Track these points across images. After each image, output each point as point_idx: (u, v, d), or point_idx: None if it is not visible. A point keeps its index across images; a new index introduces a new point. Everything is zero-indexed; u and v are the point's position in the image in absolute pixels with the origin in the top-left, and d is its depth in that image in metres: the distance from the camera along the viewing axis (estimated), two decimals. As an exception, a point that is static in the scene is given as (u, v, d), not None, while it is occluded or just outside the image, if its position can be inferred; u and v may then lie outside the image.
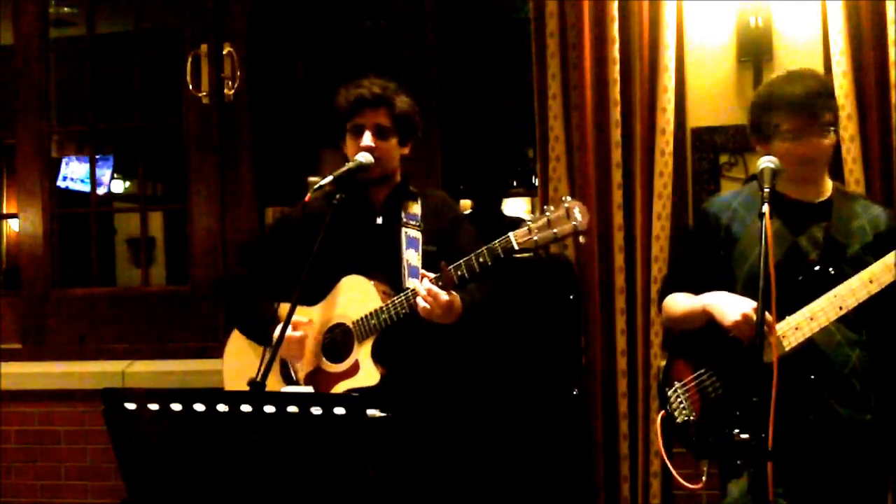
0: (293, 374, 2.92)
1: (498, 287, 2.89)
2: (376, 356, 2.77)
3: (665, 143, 3.58)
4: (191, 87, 4.19)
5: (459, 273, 2.67)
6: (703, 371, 2.63)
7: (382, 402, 1.94)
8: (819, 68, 3.40)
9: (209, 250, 4.27)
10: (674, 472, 2.68)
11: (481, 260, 2.64)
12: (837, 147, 3.05)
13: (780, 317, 2.46)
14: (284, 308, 2.69)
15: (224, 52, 4.18)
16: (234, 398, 1.95)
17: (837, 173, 3.34)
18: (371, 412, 1.90)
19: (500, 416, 3.46)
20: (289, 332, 2.73)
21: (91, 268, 4.49)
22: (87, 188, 5.03)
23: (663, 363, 2.76)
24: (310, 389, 2.80)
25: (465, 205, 5.15)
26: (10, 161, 4.85)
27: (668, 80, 3.57)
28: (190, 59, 4.19)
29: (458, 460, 3.04)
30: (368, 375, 2.76)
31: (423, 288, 2.65)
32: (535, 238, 2.58)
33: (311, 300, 2.88)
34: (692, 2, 3.64)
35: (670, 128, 3.58)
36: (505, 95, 4.75)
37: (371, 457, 1.92)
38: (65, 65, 4.73)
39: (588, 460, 3.61)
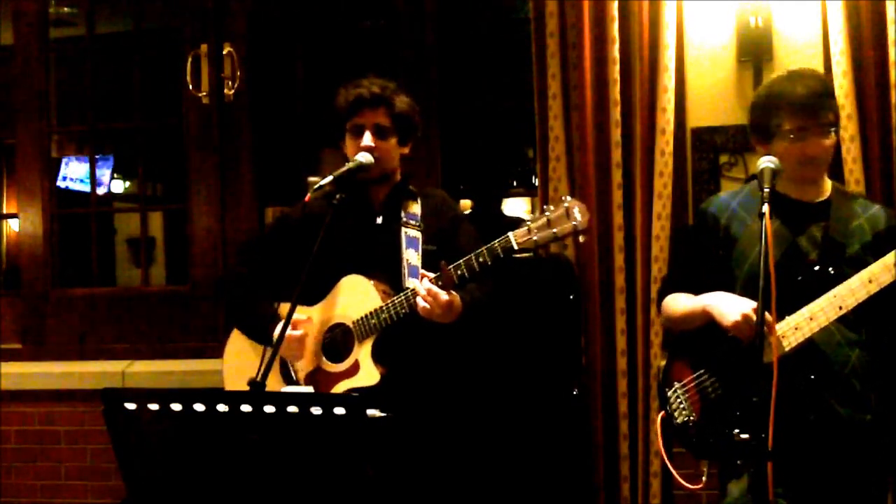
0: (293, 374, 2.92)
1: (498, 287, 2.89)
2: (376, 356, 2.77)
3: (665, 143, 3.58)
4: (191, 87, 4.19)
5: (459, 273, 2.67)
6: (702, 371, 2.63)
7: (382, 402, 1.94)
8: (819, 68, 3.40)
9: (209, 250, 4.27)
10: (674, 472, 2.68)
11: (481, 260, 2.64)
12: (837, 147, 3.05)
13: (780, 317, 2.45)
14: (284, 308, 2.69)
15: (224, 52, 4.19)
16: (234, 398, 1.95)
17: (837, 173, 3.34)
18: (371, 412, 1.90)
19: (500, 416, 3.46)
20: (289, 331, 2.73)
21: (91, 268, 4.49)
22: (87, 188, 5.03)
23: (663, 363, 2.76)
24: (310, 389, 2.80)
25: (465, 205, 5.15)
26: (10, 161, 4.85)
27: (668, 80, 3.57)
28: (190, 59, 4.19)
29: (458, 460, 3.04)
30: (368, 375, 2.76)
31: (422, 288, 2.66)
32: (535, 238, 2.58)
33: (311, 300, 2.88)
34: (692, 2, 3.64)
35: (670, 128, 3.58)
36: (505, 95, 4.75)
37: (371, 457, 1.91)
38: (65, 65, 4.73)
39: (588, 460, 3.61)
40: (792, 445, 2.28)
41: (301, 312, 2.81)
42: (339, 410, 1.89)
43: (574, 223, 2.56)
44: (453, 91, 4.36)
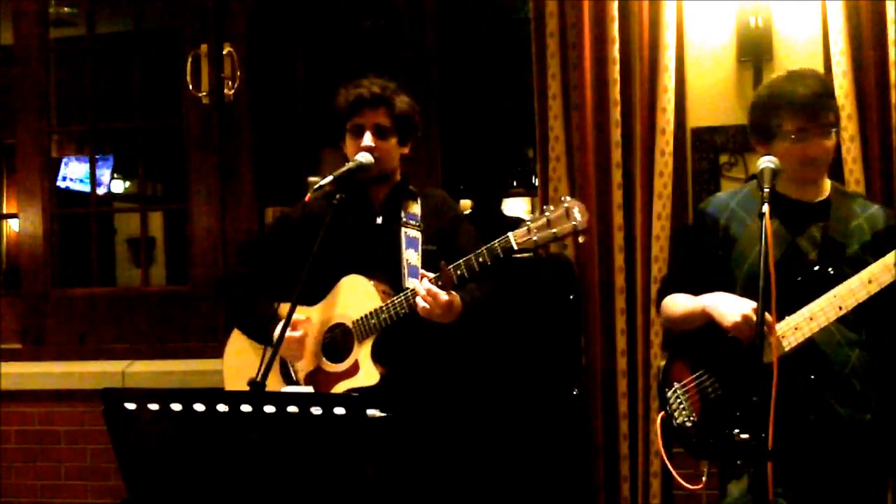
0: (293, 374, 2.92)
1: (498, 287, 2.89)
2: (376, 356, 2.77)
3: (665, 143, 3.58)
4: (191, 87, 4.19)
5: (459, 273, 2.67)
6: (702, 372, 2.63)
7: (382, 402, 1.94)
8: (819, 68, 3.40)
9: (209, 250, 4.27)
10: (674, 472, 2.68)
11: (481, 260, 2.64)
12: (837, 147, 3.05)
13: (780, 317, 2.45)
14: (284, 308, 2.69)
15: (224, 52, 4.19)
16: (234, 398, 1.95)
17: (837, 173, 3.34)
18: (371, 412, 1.90)
19: (500, 416, 3.46)
20: (288, 331, 2.73)
21: (91, 268, 4.49)
22: (87, 188, 5.03)
23: (663, 363, 2.76)
24: (310, 389, 2.80)
25: (465, 205, 5.15)
26: (10, 161, 4.84)
27: (668, 80, 3.57)
28: (190, 59, 4.19)
29: (458, 460, 3.04)
30: (368, 375, 2.76)
31: (422, 288, 2.66)
32: (535, 238, 2.58)
33: (311, 300, 2.88)
34: (692, 2, 3.64)
35: (670, 128, 3.58)
36: (505, 95, 4.75)
37: (371, 457, 1.91)
38: (65, 65, 4.73)
39: (588, 460, 3.61)
40: (792, 445, 2.28)
41: (301, 312, 2.81)
42: (339, 410, 1.89)
43: (574, 223, 2.56)
44: (453, 91, 4.36)
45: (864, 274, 2.46)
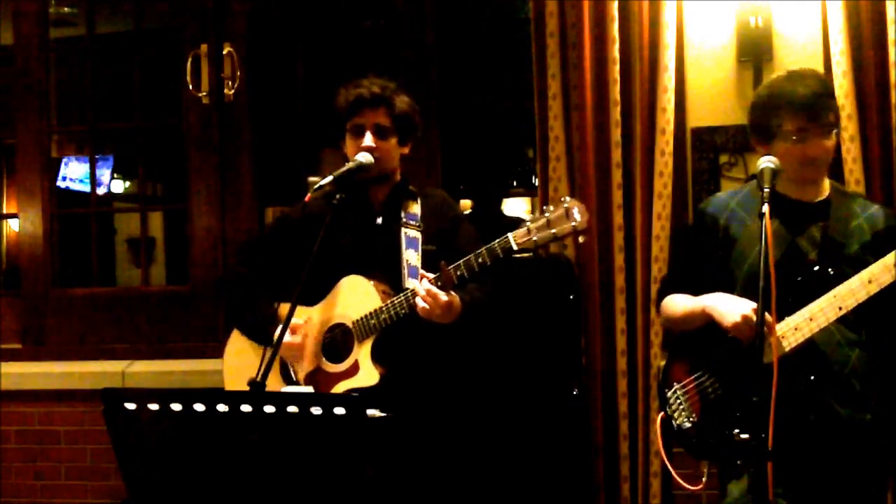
0: (293, 375, 2.92)
1: (498, 287, 2.89)
2: (376, 356, 2.77)
3: (665, 143, 3.58)
4: (191, 87, 4.19)
5: (459, 273, 2.67)
6: (702, 372, 2.63)
7: (382, 402, 1.94)
8: (819, 68, 3.40)
9: (209, 250, 4.27)
10: (674, 473, 2.68)
11: (480, 260, 2.64)
12: (837, 147, 3.05)
13: (780, 317, 2.45)
14: (284, 308, 2.69)
15: (224, 52, 4.19)
16: (234, 398, 1.95)
17: (837, 173, 3.34)
18: (371, 412, 1.90)
19: (500, 416, 3.46)
20: (288, 336, 2.74)
21: (91, 268, 4.49)
22: (87, 188, 5.03)
23: (663, 363, 2.76)
24: (310, 389, 2.80)
25: (465, 205, 5.15)
26: (10, 161, 4.84)
27: (668, 80, 3.57)
28: (190, 59, 4.19)
29: (458, 460, 3.04)
30: (368, 375, 2.76)
31: (422, 288, 2.66)
32: (535, 238, 2.58)
33: (311, 300, 2.88)
34: (692, 2, 3.64)
35: (670, 128, 3.58)
36: (505, 95, 4.75)
37: (371, 457, 1.91)
38: (65, 65, 4.73)
39: (588, 460, 3.61)
40: (792, 445, 2.29)
41: (301, 312, 2.81)
42: (339, 410, 1.89)
43: (573, 224, 2.55)
44: (453, 91, 4.36)
45: (864, 274, 2.46)
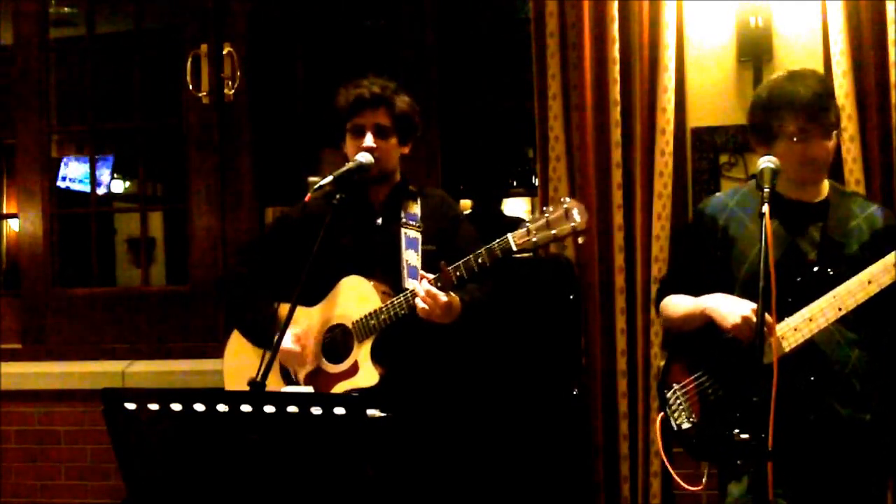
0: (293, 375, 2.92)
1: (498, 287, 2.89)
2: (376, 356, 2.77)
3: (665, 143, 3.58)
4: (191, 87, 4.19)
5: (458, 274, 2.67)
6: (701, 373, 2.63)
7: (382, 403, 1.94)
8: (819, 68, 3.40)
9: (209, 250, 4.27)
10: (673, 474, 2.68)
11: (480, 261, 2.64)
12: (837, 147, 3.04)
13: (779, 318, 2.45)
14: (284, 308, 2.69)
15: (224, 52, 4.19)
16: (234, 398, 1.95)
17: (837, 173, 3.34)
18: (371, 412, 1.90)
19: (500, 417, 3.46)
20: (289, 343, 2.75)
21: (91, 268, 4.49)
22: (87, 188, 5.03)
23: (663, 363, 2.76)
24: (310, 389, 2.80)
25: (465, 205, 5.15)
26: (10, 161, 4.84)
27: (668, 80, 3.57)
28: (190, 59, 4.19)
29: (458, 460, 3.04)
30: (368, 376, 2.76)
31: (421, 289, 2.66)
32: (534, 239, 2.58)
33: (311, 300, 2.88)
34: (692, 2, 3.63)
35: (670, 128, 3.58)
36: (505, 95, 4.75)
37: (371, 457, 1.91)
38: (65, 65, 4.73)
39: (588, 460, 3.61)
40: (792, 446, 2.29)
41: (301, 313, 2.82)
42: (339, 410, 1.89)
43: (573, 224, 2.55)
44: (453, 91, 4.36)
45: (864, 275, 2.45)
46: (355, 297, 2.82)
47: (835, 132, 2.59)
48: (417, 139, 3.04)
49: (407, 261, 2.87)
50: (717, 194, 2.85)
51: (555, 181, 3.70)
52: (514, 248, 2.60)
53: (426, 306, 2.65)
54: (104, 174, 5.53)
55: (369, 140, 2.86)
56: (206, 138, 4.26)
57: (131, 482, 2.07)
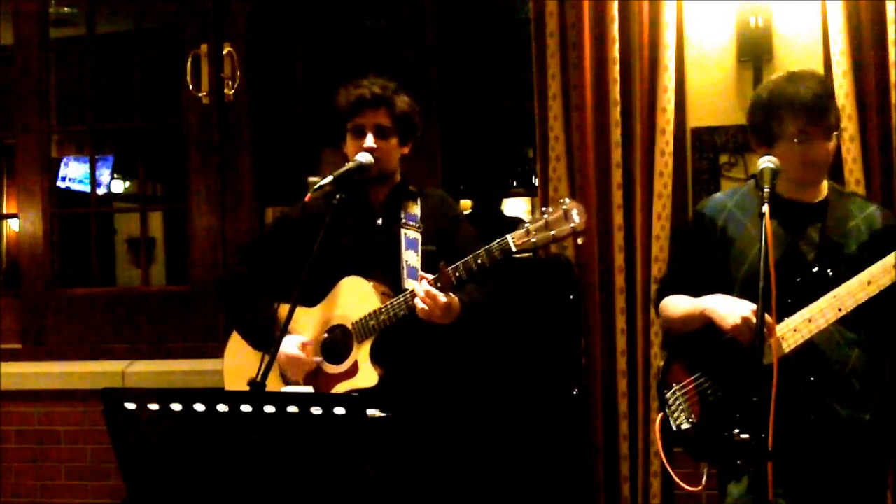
0: (291, 378, 2.91)
1: (497, 287, 2.89)
2: (375, 357, 2.77)
3: (665, 143, 3.58)
4: (191, 87, 4.19)
5: (458, 275, 2.66)
6: (701, 374, 2.62)
7: (382, 403, 1.94)
8: (819, 68, 3.40)
9: (209, 250, 4.27)
10: (673, 475, 2.67)
11: (479, 262, 2.64)
12: (837, 148, 3.04)
13: (779, 318, 2.45)
14: (284, 309, 2.69)
15: (224, 52, 4.19)
16: (234, 398, 1.95)
17: (837, 173, 3.34)
18: (371, 412, 1.90)
19: (500, 417, 3.46)
20: (294, 350, 2.76)
21: (91, 268, 4.49)
22: (87, 188, 5.03)
23: (663, 363, 2.76)
24: (310, 390, 2.80)
25: (465, 205, 5.15)
26: (10, 161, 4.84)
27: (668, 80, 3.57)
28: (190, 59, 4.19)
29: (458, 461, 3.04)
30: (367, 376, 2.76)
31: (421, 289, 2.66)
32: (533, 240, 2.58)
33: (311, 301, 2.88)
34: (692, 2, 3.63)
35: (670, 128, 3.58)
36: (505, 95, 4.75)
37: (371, 457, 1.91)
38: (65, 65, 4.73)
39: (588, 460, 3.61)
40: (792, 446, 2.29)
41: (301, 313, 2.82)
42: (339, 410, 1.89)
43: (572, 225, 2.55)
44: (453, 91, 4.36)
45: (864, 276, 2.45)
46: (355, 298, 2.82)
47: (835, 134, 2.59)
48: (417, 139, 3.04)
49: (407, 261, 2.87)
50: (716, 195, 2.85)
51: (555, 181, 3.70)
52: (513, 249, 2.60)
53: (425, 307, 2.65)
54: (104, 174, 5.54)
55: (370, 140, 2.86)
56: (206, 138, 4.26)
57: (131, 482, 2.07)
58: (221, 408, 1.94)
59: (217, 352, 3.23)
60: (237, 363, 3.00)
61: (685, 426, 2.61)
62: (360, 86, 2.90)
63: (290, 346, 2.81)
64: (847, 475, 2.56)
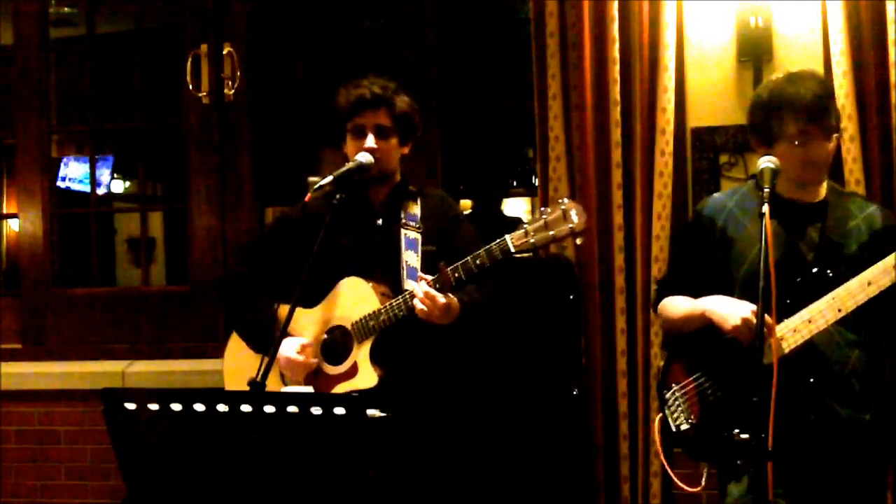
0: (290, 380, 2.91)
1: (497, 287, 2.89)
2: (375, 358, 2.77)
3: (665, 143, 3.58)
4: (191, 87, 4.19)
5: (457, 275, 2.66)
6: (701, 374, 2.62)
7: (382, 404, 1.94)
8: (819, 68, 3.40)
9: (209, 250, 4.27)
10: (673, 475, 2.67)
11: (478, 262, 2.64)
12: (837, 147, 3.05)
13: (779, 319, 2.45)
14: (284, 309, 2.69)
15: (224, 52, 4.19)
16: (234, 398, 1.95)
17: (837, 173, 3.34)
18: (371, 412, 1.90)
19: (500, 417, 3.46)
20: (293, 353, 2.76)
21: (91, 268, 4.49)
22: (87, 188, 5.03)
23: (663, 364, 2.76)
24: (310, 390, 2.80)
25: (465, 205, 5.15)
26: (10, 161, 4.84)
27: (668, 80, 3.57)
28: (190, 59, 4.19)
29: (459, 461, 3.03)
30: (367, 377, 2.76)
31: (420, 290, 2.66)
32: (532, 240, 2.58)
33: (311, 301, 2.88)
34: (692, 2, 3.63)
35: (670, 128, 3.58)
36: (505, 95, 4.75)
37: (371, 457, 1.91)
38: (65, 65, 4.73)
39: (588, 460, 3.61)
40: (792, 446, 2.29)
41: (300, 314, 2.82)
42: (339, 410, 1.89)
43: (571, 225, 2.55)
44: (453, 91, 4.36)
45: (864, 276, 2.45)
46: (354, 299, 2.82)
47: (835, 134, 2.59)
48: (417, 139, 3.04)
49: (406, 261, 2.87)
50: (716, 195, 2.85)
51: (555, 181, 3.70)
52: (513, 250, 2.60)
53: (425, 307, 2.65)
54: (104, 174, 5.54)
55: (370, 141, 2.86)
56: (206, 138, 4.26)
57: (131, 482, 2.07)
58: (221, 408, 1.94)
59: (217, 352, 3.23)
60: (237, 363, 3.00)
61: (685, 427, 2.61)
62: (360, 86, 2.90)
63: (290, 348, 2.81)
64: (847, 475, 2.57)
